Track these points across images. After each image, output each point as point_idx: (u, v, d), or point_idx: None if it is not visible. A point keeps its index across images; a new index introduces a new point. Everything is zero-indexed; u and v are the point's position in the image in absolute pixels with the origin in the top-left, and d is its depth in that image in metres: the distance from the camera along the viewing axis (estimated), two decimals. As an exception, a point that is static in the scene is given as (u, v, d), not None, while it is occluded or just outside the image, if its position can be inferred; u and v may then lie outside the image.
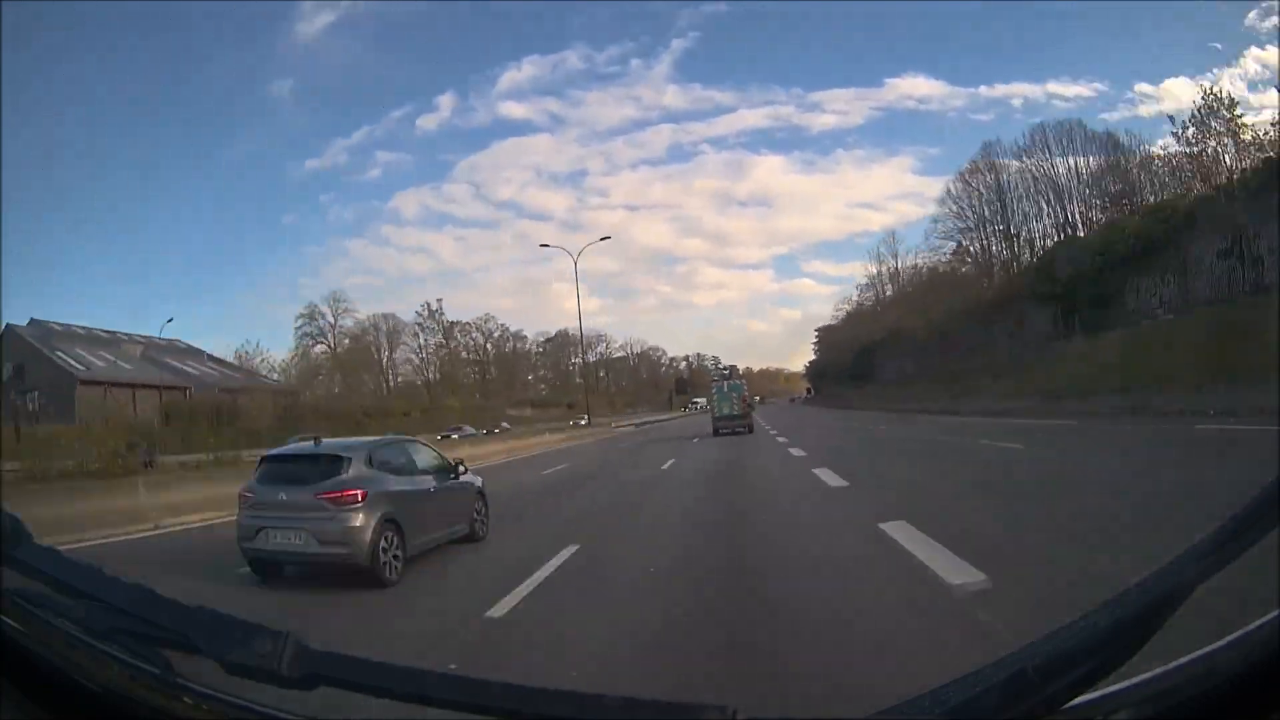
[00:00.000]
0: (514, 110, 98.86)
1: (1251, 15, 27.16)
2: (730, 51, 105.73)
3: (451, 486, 7.72)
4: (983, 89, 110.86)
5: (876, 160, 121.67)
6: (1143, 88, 34.44)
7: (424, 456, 7.72)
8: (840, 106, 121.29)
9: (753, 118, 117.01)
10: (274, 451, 7.55)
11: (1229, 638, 0.73)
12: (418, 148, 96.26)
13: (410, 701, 0.84)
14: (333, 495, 6.11)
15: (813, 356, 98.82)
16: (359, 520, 6.03)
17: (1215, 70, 32.32)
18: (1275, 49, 25.90)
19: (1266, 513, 0.71)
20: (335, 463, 6.43)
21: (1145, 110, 37.38)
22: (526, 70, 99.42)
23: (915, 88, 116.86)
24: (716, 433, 30.50)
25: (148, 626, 0.93)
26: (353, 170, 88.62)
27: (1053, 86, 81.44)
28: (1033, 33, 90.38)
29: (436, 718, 0.86)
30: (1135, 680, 0.75)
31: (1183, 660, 0.75)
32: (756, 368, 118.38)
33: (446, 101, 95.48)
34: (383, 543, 6.11)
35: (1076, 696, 0.72)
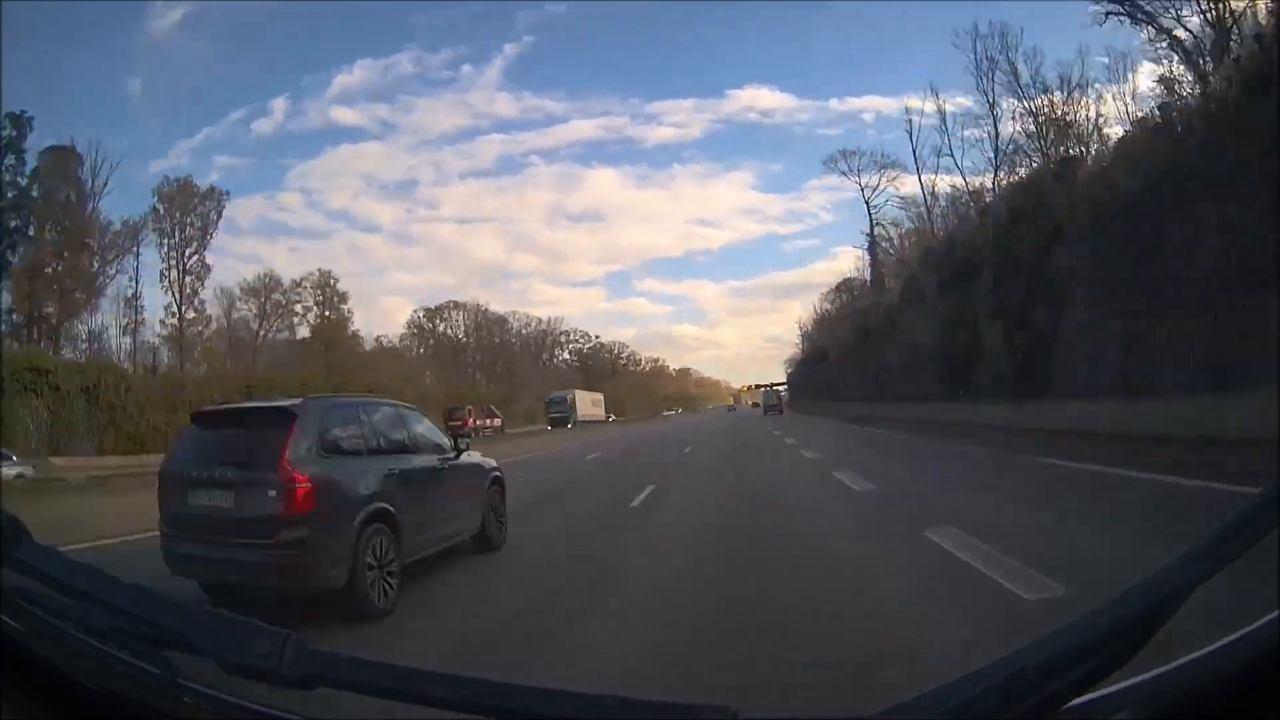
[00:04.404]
0: (345, 115, 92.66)
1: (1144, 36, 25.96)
2: (565, 59, 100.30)
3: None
4: (833, 102, 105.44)
5: (715, 175, 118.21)
6: (1011, 103, 32.61)
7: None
8: (679, 118, 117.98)
9: (586, 129, 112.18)
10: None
11: (1229, 638, 0.73)
12: (253, 152, 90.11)
13: (410, 701, 0.84)
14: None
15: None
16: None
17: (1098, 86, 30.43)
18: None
19: (1266, 513, 0.71)
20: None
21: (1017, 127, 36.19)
22: (358, 74, 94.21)
23: (759, 99, 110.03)
24: (765, 413, 57.69)
25: (148, 626, 0.93)
26: (194, 174, 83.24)
27: (910, 101, 77.44)
28: (890, 44, 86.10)
29: (436, 718, 0.86)
30: (1135, 680, 0.75)
31: (1183, 660, 0.75)
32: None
33: (280, 105, 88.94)
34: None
35: (1076, 696, 0.72)
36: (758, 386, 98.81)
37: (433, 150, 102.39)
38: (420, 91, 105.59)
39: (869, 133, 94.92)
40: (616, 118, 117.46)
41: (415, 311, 75.32)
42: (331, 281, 58.10)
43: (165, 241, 47.17)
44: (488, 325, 79.81)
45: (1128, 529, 6.07)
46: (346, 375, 43.17)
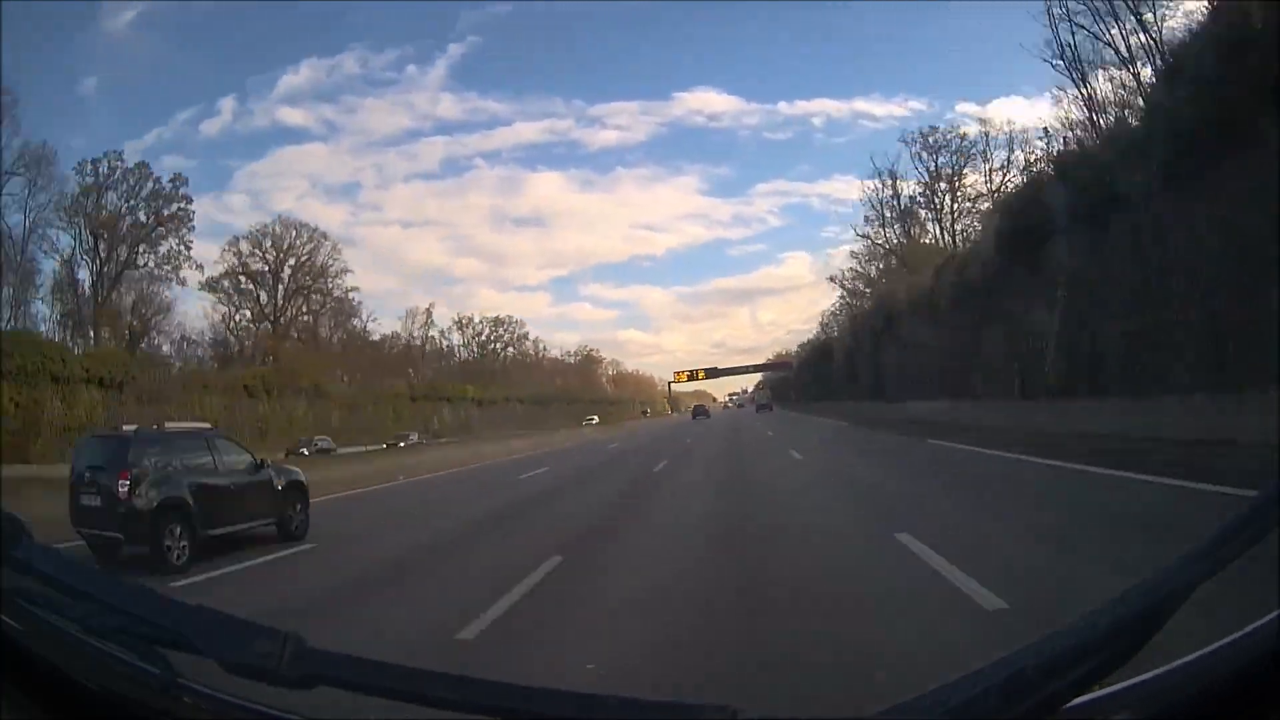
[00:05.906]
0: (291, 116, 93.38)
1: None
2: (509, 59, 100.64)
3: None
4: (782, 105, 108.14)
5: (660, 179, 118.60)
6: (966, 108, 31.60)
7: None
8: (623, 121, 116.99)
9: (529, 131, 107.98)
10: None
11: (1229, 638, 0.73)
12: (200, 153, 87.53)
13: (409, 701, 0.84)
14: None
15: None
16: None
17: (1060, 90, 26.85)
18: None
19: (1266, 513, 0.71)
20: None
21: (970, 131, 36.72)
22: (304, 73, 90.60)
23: (706, 102, 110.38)
24: (758, 410, 66.11)
25: (148, 626, 0.93)
26: (145, 175, 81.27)
27: (860, 104, 79.83)
28: (839, 46, 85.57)
29: (436, 718, 0.86)
30: (1135, 680, 0.75)
31: (1183, 660, 0.75)
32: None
33: (228, 105, 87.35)
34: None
35: (1076, 696, 0.72)
36: (704, 373, 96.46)
37: (377, 152, 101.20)
38: (365, 92, 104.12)
39: (817, 136, 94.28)
40: (560, 120, 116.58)
41: None
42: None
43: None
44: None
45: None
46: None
